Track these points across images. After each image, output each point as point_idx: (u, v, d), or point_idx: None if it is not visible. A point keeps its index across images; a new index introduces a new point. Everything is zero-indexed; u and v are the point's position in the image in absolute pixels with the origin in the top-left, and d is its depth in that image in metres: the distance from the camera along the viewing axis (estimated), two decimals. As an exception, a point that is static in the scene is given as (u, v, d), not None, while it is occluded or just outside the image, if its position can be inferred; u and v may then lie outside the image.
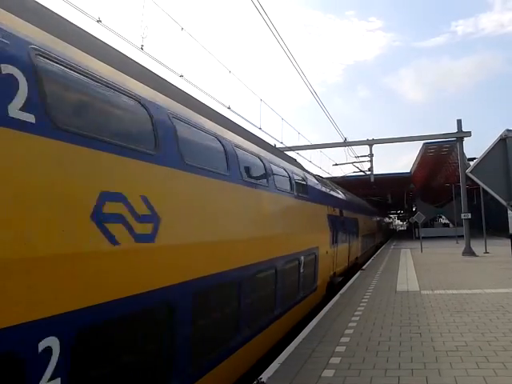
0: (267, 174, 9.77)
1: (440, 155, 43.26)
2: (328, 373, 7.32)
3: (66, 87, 4.33)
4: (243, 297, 7.59)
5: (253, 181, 8.78)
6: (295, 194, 12.10)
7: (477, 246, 31.44)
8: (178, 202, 5.71)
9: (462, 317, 11.02)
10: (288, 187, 11.51)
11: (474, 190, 44.02)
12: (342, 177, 35.02)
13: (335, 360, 7.97)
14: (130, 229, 4.48)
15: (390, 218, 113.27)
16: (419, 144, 38.54)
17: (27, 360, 3.27)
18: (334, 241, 17.29)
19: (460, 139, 32.06)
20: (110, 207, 4.23)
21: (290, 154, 19.49)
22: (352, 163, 32.58)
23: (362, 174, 34.38)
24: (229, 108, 14.68)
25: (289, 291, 10.87)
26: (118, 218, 4.34)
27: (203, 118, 7.27)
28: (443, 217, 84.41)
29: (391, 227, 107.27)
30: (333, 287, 16.73)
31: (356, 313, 12.07)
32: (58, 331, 3.51)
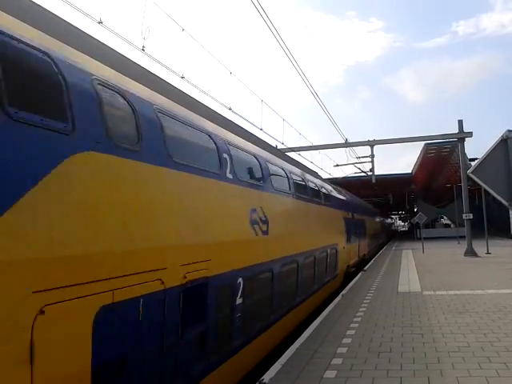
0: (310, 190, 14.04)
1: (441, 156, 43.25)
2: (330, 374, 7.32)
3: None
4: (300, 271, 11.75)
5: (306, 197, 13.31)
6: (323, 202, 16.01)
7: (478, 246, 31.39)
8: (274, 210, 9.92)
9: (464, 317, 11.01)
10: (319, 199, 15.45)
11: (475, 191, 43.93)
12: (343, 178, 35.00)
13: (337, 361, 7.97)
14: (260, 228, 8.65)
15: (391, 218, 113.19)
16: (420, 144, 38.57)
17: (235, 286, 7.28)
18: (348, 239, 21.19)
19: (461, 140, 32.02)
20: (253, 216, 8.34)
21: (291, 154, 19.60)
22: (353, 164, 32.57)
23: (363, 174, 34.35)
24: (230, 109, 14.69)
25: (322, 274, 15.07)
26: (256, 222, 8.46)
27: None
28: (445, 217, 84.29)
29: (392, 228, 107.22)
30: (348, 276, 20.78)
31: (358, 314, 12.06)
32: (242, 275, 7.50)
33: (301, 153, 27.97)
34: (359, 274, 22.08)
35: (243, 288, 7.48)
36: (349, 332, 10.06)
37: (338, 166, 33.48)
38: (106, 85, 4.69)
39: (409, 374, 7.12)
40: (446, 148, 39.65)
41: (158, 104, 5.75)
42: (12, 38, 3.60)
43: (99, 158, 4.33)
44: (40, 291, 3.44)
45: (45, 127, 3.68)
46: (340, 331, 10.20)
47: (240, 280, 7.38)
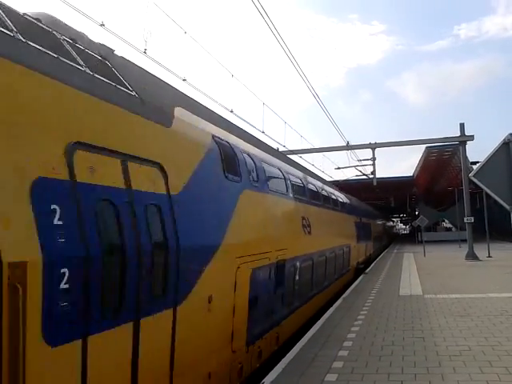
0: (331, 201, 18.35)
1: (443, 159, 43.25)
2: (331, 377, 7.30)
3: None
4: (327, 263, 15.53)
5: (329, 206, 17.62)
6: (340, 210, 20.59)
7: (480, 250, 31.35)
8: (312, 217, 13.51)
9: (466, 321, 10.99)
10: (338, 207, 19.97)
11: (477, 194, 43.96)
12: (344, 180, 35.00)
13: (338, 364, 7.95)
14: (306, 230, 12.47)
15: (392, 221, 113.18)
16: (421, 148, 38.58)
17: (296, 266, 11.18)
18: (358, 240, 25.34)
19: (463, 143, 32.02)
20: (303, 222, 12.21)
21: (293, 157, 19.91)
22: (355, 167, 32.57)
23: (364, 177, 34.35)
24: (232, 112, 14.72)
25: (340, 266, 18.91)
26: (304, 226, 12.31)
27: None
28: (446, 221, 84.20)
29: (394, 231, 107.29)
30: (357, 271, 24.34)
31: (359, 317, 12.04)
32: (299, 260, 11.47)
33: (302, 155, 27.99)
34: (360, 277, 22.07)
35: (299, 268, 11.49)
36: (350, 335, 10.04)
37: (339, 168, 33.54)
38: (249, 155, 9.09)
39: (410, 378, 7.10)
40: (447, 151, 39.65)
41: (259, 155, 10.01)
42: (221, 139, 7.80)
43: (250, 193, 8.59)
44: (238, 257, 7.37)
45: (235, 180, 7.89)
46: (341, 334, 10.18)
47: (298, 263, 11.32)
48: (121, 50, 5.91)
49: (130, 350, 4.59)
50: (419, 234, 54.15)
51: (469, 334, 9.66)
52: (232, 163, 7.87)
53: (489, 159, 6.99)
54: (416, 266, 27.62)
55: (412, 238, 71.58)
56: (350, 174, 34.86)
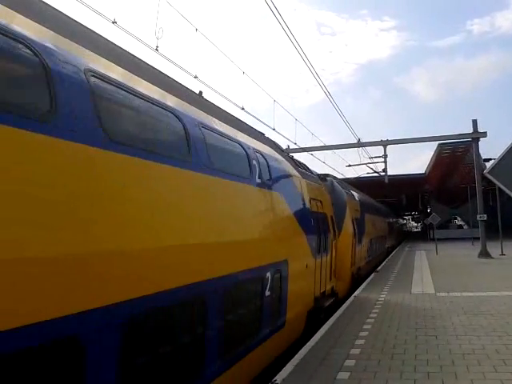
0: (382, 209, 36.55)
1: (455, 156, 42.88)
2: (343, 375, 7.28)
3: None
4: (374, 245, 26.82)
5: (381, 215, 35.42)
6: (384, 215, 37.32)
7: (493, 247, 31.07)
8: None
9: (479, 319, 10.90)
10: (381, 213, 34.94)
11: (489, 191, 43.50)
12: (355, 178, 34.86)
13: (350, 362, 7.92)
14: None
15: (404, 219, 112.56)
16: (433, 145, 38.28)
17: None
18: (389, 234, 42.02)
19: (475, 140, 31.72)
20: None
21: (303, 154, 19.86)
22: (366, 164, 32.42)
23: (375, 174, 34.17)
24: (243, 109, 14.71)
25: (381, 249, 32.45)
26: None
27: None
28: (458, 218, 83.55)
29: (405, 229, 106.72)
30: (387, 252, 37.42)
31: (371, 315, 11.99)
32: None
33: (313, 153, 27.92)
34: (372, 275, 21.97)
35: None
36: (362, 333, 10.00)
37: (350, 166, 33.39)
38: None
39: (423, 376, 7.06)
40: (460, 148, 39.30)
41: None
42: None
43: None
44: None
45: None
46: (353, 332, 10.15)
47: None
48: (133, 48, 5.89)
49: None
50: (431, 231, 53.75)
51: (482, 333, 9.58)
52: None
53: (503, 156, 6.92)
54: (428, 263, 27.46)
55: (424, 236, 71.11)
56: (361, 172, 34.77)
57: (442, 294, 15.03)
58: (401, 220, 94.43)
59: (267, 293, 7.89)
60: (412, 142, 34.28)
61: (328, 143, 33.13)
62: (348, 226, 17.61)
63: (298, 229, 10.18)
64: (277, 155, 9.99)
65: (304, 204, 11.03)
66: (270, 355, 8.29)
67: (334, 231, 15.00)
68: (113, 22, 8.45)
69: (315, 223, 11.75)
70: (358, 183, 34.11)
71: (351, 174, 37.02)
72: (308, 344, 9.36)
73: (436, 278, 19.77)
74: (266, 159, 8.61)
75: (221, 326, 6.09)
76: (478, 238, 33.83)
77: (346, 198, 18.34)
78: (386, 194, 59.85)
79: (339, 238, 15.82)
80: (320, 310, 11.95)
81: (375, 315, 11.95)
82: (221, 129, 7.07)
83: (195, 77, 11.52)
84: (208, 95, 8.14)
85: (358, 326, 10.80)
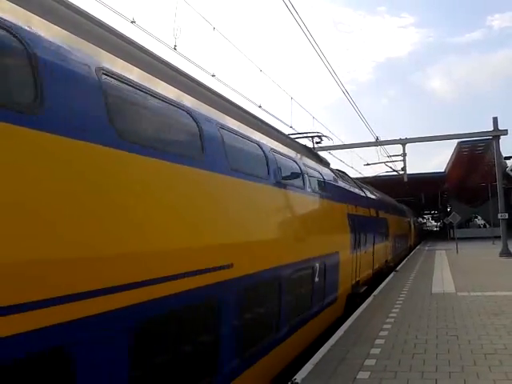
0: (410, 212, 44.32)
1: (475, 154, 42.31)
2: (363, 375, 7.27)
3: None
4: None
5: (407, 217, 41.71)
6: (407, 218, 42.09)
7: (514, 246, 30.63)
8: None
9: (500, 319, 10.77)
10: (406, 214, 40.94)
11: (510, 190, 42.90)
12: (374, 176, 34.66)
13: (370, 362, 7.90)
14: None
15: (423, 218, 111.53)
16: (452, 143, 37.85)
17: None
18: (413, 233, 48.73)
19: (496, 137, 31.29)
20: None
21: (323, 154, 19.84)
22: (384, 163, 32.17)
23: (394, 173, 33.91)
24: (260, 107, 14.75)
25: (404, 244, 37.01)
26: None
27: None
28: (479, 217, 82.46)
29: (424, 228, 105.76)
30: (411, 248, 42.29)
31: (391, 314, 11.93)
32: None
33: (331, 152, 27.83)
34: (391, 275, 21.84)
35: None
36: (382, 333, 9.96)
37: (368, 164, 33.22)
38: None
39: (444, 376, 7.01)
40: (480, 146, 38.79)
41: None
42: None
43: None
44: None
45: None
46: (373, 332, 10.11)
47: None
48: (151, 47, 5.93)
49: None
50: (451, 230, 53.18)
51: (504, 333, 9.47)
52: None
53: (525, 154, 6.85)
54: (448, 262, 27.18)
55: (444, 235, 70.35)
56: (379, 170, 34.51)
57: (463, 294, 14.88)
58: (420, 219, 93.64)
59: (328, 274, 10.67)
60: (431, 140, 33.91)
61: (344, 141, 33.02)
62: None
63: (346, 227, 13.22)
64: (334, 175, 13.54)
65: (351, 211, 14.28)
66: (328, 321, 11.28)
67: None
68: (132, 22, 8.55)
69: (354, 225, 14.30)
70: (376, 182, 33.90)
71: (369, 172, 36.78)
72: (328, 343, 9.36)
73: (457, 277, 19.55)
74: (334, 177, 13.15)
75: (309, 289, 9.51)
76: (499, 237, 33.40)
77: None
78: (405, 192, 59.37)
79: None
80: (356, 295, 14.32)
81: (395, 315, 11.88)
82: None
83: (213, 75, 11.59)
84: (225, 93, 8.15)
85: (377, 325, 10.75)
